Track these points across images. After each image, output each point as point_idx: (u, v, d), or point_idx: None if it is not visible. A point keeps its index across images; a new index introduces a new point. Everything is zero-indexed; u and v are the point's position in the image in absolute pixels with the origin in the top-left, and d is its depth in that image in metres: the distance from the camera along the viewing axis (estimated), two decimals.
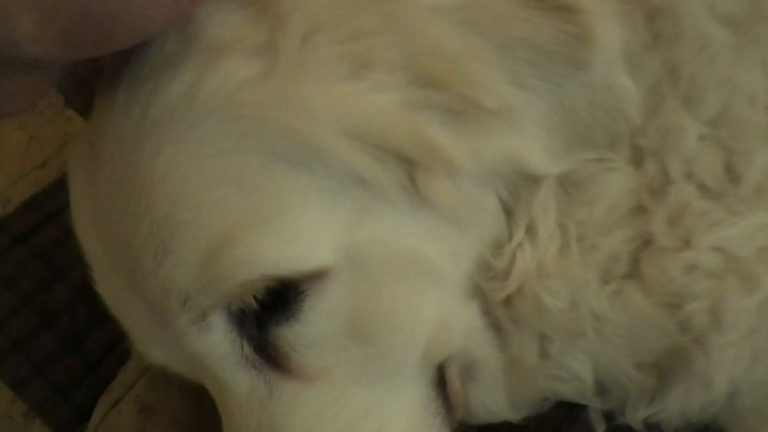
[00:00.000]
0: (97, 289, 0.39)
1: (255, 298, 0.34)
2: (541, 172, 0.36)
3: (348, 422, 0.36)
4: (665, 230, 0.39)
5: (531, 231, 0.39)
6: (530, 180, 0.37)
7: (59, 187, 0.55)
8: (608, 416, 0.44)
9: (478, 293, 0.40)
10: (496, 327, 0.40)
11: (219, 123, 0.32)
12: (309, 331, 0.35)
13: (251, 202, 0.33)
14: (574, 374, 0.42)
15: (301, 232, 0.34)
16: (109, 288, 0.38)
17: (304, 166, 0.33)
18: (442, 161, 0.34)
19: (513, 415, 0.43)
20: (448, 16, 0.34)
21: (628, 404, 0.43)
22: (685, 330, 0.39)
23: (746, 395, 0.41)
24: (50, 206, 0.56)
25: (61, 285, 0.53)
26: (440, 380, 0.40)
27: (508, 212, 0.39)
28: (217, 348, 0.35)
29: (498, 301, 0.40)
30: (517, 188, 0.38)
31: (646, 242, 0.40)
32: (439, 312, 0.37)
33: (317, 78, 0.32)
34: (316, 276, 0.34)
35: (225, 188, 0.33)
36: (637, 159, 0.40)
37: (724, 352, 0.38)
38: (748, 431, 0.42)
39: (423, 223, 0.36)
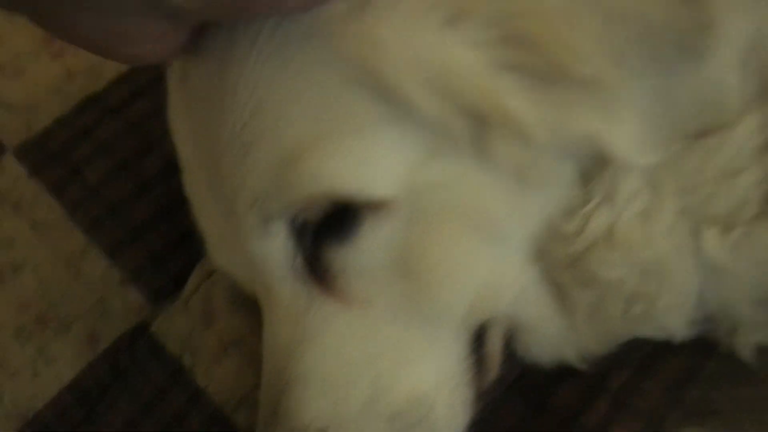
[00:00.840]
0: (186, 191, 0.40)
1: (317, 214, 0.34)
2: (624, 161, 0.34)
3: (373, 355, 0.36)
4: None
5: (610, 193, 0.36)
6: None
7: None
8: None
9: (544, 257, 0.37)
10: (560, 292, 0.38)
11: (306, 46, 0.33)
12: (359, 257, 0.35)
13: (328, 119, 0.33)
14: (670, 327, 0.40)
15: (371, 157, 0.34)
16: (195, 190, 0.41)
17: (383, 97, 0.33)
18: (515, 128, 0.33)
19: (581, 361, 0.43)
20: None
21: (739, 334, 0.42)
22: None
23: None
24: (141, 81, 0.56)
25: (155, 155, 0.53)
26: (479, 339, 0.38)
27: (588, 177, 0.36)
28: (273, 254, 0.36)
29: (562, 263, 0.38)
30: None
31: None
32: (491, 270, 0.37)
33: (407, 22, 0.32)
34: (377, 205, 0.34)
35: (305, 103, 0.33)
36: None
37: None
38: None
39: (489, 177, 0.35)
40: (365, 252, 0.35)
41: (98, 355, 0.49)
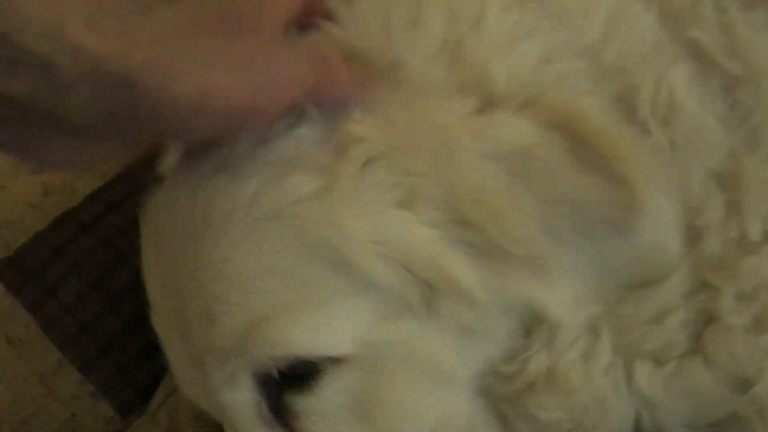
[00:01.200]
0: (153, 324, 0.44)
1: (279, 369, 0.38)
2: (560, 320, 0.38)
3: None
4: (735, 308, 0.40)
5: (551, 341, 0.40)
6: None
7: (121, 181, 0.60)
8: None
9: (490, 392, 0.42)
10: (505, 423, 0.43)
11: (274, 227, 0.37)
12: (320, 403, 0.39)
13: (291, 292, 0.38)
14: None
15: (329, 324, 0.38)
16: (163, 331, 0.44)
17: (343, 271, 0.37)
18: (461, 293, 0.37)
19: None
20: (497, 163, 0.36)
21: None
22: (751, 403, 0.41)
23: None
24: (114, 197, 0.60)
25: (125, 270, 0.57)
26: None
27: (530, 327, 0.40)
28: (240, 403, 0.40)
29: (505, 399, 0.42)
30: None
31: (709, 320, 0.41)
32: (442, 408, 0.40)
33: (366, 205, 0.37)
34: (336, 361, 0.38)
35: (271, 280, 0.38)
36: (694, 237, 0.40)
37: None
38: None
39: (437, 333, 0.39)
40: (325, 398, 0.39)
41: None
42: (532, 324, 0.41)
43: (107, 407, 0.54)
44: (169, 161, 0.43)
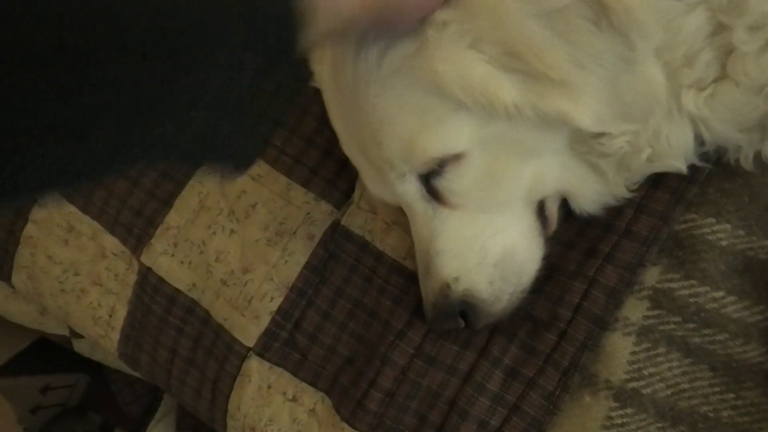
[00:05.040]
0: (343, 149, 0.66)
1: (428, 166, 0.60)
2: (585, 129, 0.54)
3: (475, 231, 0.62)
4: (746, 38, 0.55)
5: None
6: None
7: None
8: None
9: (574, 150, 0.60)
10: (592, 166, 0.61)
11: (398, 78, 0.57)
12: (454, 183, 0.60)
13: (421, 118, 0.58)
14: (675, 165, 0.62)
15: (447, 133, 0.58)
16: (350, 152, 0.66)
17: (445, 98, 0.56)
18: (508, 111, 0.54)
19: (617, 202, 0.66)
20: (537, 19, 0.51)
21: (740, 151, 0.63)
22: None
23: None
24: None
25: (312, 115, 0.81)
26: (541, 210, 0.63)
27: None
28: (409, 191, 0.63)
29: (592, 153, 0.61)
30: None
31: (729, 51, 0.56)
32: (535, 172, 0.59)
33: (448, 50, 0.53)
34: (458, 156, 0.58)
35: (406, 112, 0.58)
36: None
37: None
38: None
39: (521, 127, 0.57)
40: (455, 181, 0.61)
41: (315, 245, 0.80)
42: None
43: (327, 204, 0.80)
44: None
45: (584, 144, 0.60)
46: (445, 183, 0.61)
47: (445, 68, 0.55)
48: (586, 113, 0.55)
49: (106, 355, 1.07)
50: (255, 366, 0.80)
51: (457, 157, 0.60)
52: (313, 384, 0.79)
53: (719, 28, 0.56)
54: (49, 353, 1.27)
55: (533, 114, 0.55)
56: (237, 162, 0.49)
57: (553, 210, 0.66)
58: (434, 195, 0.63)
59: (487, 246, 0.64)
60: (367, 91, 0.59)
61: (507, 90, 0.54)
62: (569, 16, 0.52)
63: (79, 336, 1.08)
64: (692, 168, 0.66)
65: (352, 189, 0.79)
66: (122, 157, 0.40)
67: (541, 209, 0.65)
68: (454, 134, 0.58)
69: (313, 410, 0.79)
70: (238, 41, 0.41)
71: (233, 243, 0.82)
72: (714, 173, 0.67)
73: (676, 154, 0.63)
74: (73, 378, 1.42)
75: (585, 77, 0.53)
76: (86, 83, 0.36)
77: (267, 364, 0.80)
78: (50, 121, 0.36)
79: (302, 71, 0.47)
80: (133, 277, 0.87)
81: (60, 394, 1.43)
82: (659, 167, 0.64)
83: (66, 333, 1.14)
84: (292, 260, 0.80)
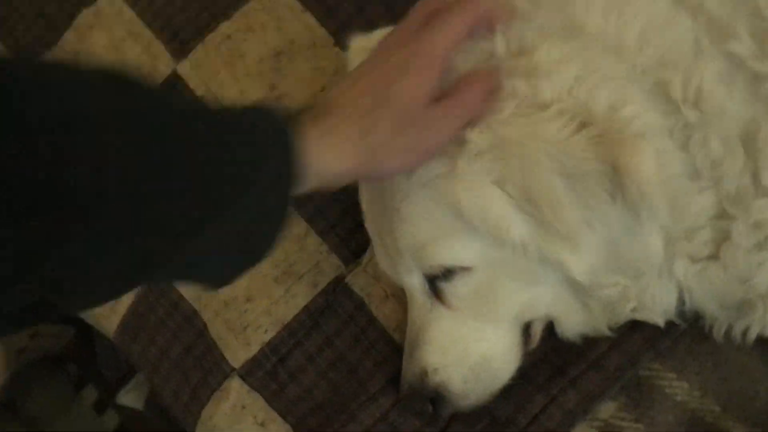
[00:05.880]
0: (366, 226, 0.74)
1: (435, 270, 0.66)
2: (578, 279, 0.60)
3: (462, 334, 0.68)
4: (745, 233, 0.61)
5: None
6: None
7: None
8: None
9: (569, 285, 0.66)
10: (582, 301, 0.67)
11: (424, 191, 0.63)
12: (456, 288, 0.67)
13: (437, 230, 0.64)
14: (655, 318, 0.69)
15: (459, 248, 0.64)
16: (369, 227, 0.74)
17: (463, 219, 0.61)
18: (517, 246, 0.60)
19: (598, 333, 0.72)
20: (561, 177, 0.57)
21: (715, 323, 0.70)
22: (751, 291, 0.64)
23: None
24: None
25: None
26: (527, 328, 0.69)
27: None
28: (413, 282, 0.69)
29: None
30: None
31: (726, 237, 0.62)
32: (529, 298, 0.65)
33: (472, 182, 0.59)
34: (465, 268, 0.64)
35: (426, 221, 0.64)
36: (717, 180, 0.60)
37: None
38: None
39: (528, 259, 0.63)
40: (458, 286, 0.68)
41: (317, 293, 0.87)
42: None
43: (336, 258, 0.87)
44: None
45: (578, 284, 0.66)
46: (447, 287, 0.68)
47: (467, 197, 0.61)
48: (582, 266, 0.61)
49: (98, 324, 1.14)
50: (236, 386, 0.87)
51: (462, 269, 0.66)
52: (282, 416, 0.85)
53: (723, 214, 0.63)
54: None
55: (536, 254, 0.62)
56: (214, 282, 0.58)
57: (537, 330, 0.73)
58: (435, 292, 0.70)
59: (469, 348, 0.70)
60: (394, 192, 0.65)
61: (518, 228, 0.61)
62: (590, 182, 0.58)
63: None
64: (669, 322, 0.72)
65: (362, 250, 0.85)
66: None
67: (527, 328, 0.72)
68: (464, 250, 0.65)
69: None
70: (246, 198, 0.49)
71: None
72: (687, 332, 0.74)
73: (658, 310, 0.69)
74: (60, 329, 1.49)
75: (589, 236, 0.60)
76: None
77: (246, 387, 0.87)
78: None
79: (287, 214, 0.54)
80: None
81: (46, 341, 1.50)
82: (640, 317, 0.71)
83: None
84: (293, 302, 0.86)
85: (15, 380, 1.51)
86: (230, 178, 0.47)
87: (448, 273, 0.67)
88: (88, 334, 1.48)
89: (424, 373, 0.71)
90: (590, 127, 0.57)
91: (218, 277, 0.56)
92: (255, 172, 0.49)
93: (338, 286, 0.86)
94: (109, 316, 0.97)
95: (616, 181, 0.58)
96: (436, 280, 0.69)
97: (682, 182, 0.62)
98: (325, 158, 0.54)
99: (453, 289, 0.68)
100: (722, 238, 0.64)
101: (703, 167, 0.61)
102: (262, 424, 0.86)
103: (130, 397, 1.39)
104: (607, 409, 0.74)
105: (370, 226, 0.74)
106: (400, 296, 0.81)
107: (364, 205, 0.73)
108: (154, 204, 0.43)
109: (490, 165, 0.60)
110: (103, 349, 1.43)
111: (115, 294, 0.52)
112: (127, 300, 0.95)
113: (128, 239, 0.42)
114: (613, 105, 0.58)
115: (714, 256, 0.65)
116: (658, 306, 0.69)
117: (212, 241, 0.48)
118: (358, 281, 0.85)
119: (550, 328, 0.75)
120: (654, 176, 0.57)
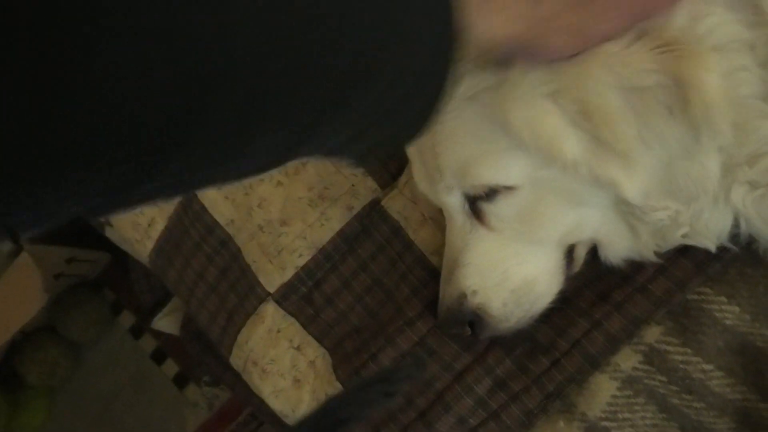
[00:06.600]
0: (409, 155, 0.70)
1: (478, 190, 0.63)
2: (630, 200, 0.56)
3: (503, 256, 0.65)
4: None
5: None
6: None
7: None
8: None
9: (618, 208, 0.63)
10: (630, 225, 0.64)
11: (471, 105, 0.59)
12: (498, 209, 0.63)
13: (484, 146, 0.61)
14: (706, 243, 0.65)
15: (505, 166, 0.60)
16: (411, 152, 0.70)
17: (510, 134, 0.57)
18: (568, 164, 0.56)
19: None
20: (617, 92, 0.53)
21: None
22: None
23: None
24: None
25: None
26: (570, 251, 0.67)
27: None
28: (453, 202, 0.66)
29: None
30: None
31: None
32: (576, 220, 0.62)
33: (524, 93, 0.55)
34: (509, 188, 0.61)
35: (471, 137, 0.61)
36: None
37: None
38: None
39: (572, 178, 0.59)
40: (501, 208, 0.65)
41: (352, 217, 0.85)
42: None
43: (373, 182, 0.84)
44: None
45: (628, 206, 0.63)
46: (489, 207, 0.65)
47: (516, 110, 0.57)
48: (636, 187, 0.58)
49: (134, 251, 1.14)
50: (271, 310, 0.86)
51: (507, 189, 0.63)
52: (318, 340, 0.85)
53: None
54: (81, 230, 1.35)
55: (587, 173, 0.58)
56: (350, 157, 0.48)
57: (581, 254, 0.70)
58: (475, 213, 0.67)
59: (510, 271, 0.68)
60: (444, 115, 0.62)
61: (571, 145, 0.57)
62: (648, 97, 0.54)
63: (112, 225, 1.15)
64: (720, 246, 0.69)
65: (399, 173, 0.83)
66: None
67: (570, 251, 0.69)
68: (510, 169, 0.62)
69: (312, 362, 0.85)
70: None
71: (278, 194, 0.86)
72: (739, 256, 0.70)
73: (711, 236, 0.66)
74: (97, 255, 1.51)
75: (645, 155, 0.56)
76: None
77: (282, 312, 0.86)
78: None
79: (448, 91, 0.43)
80: (177, 198, 0.93)
81: (82, 267, 1.52)
82: (692, 242, 0.67)
83: (102, 219, 1.21)
84: (328, 225, 0.85)
85: (55, 304, 1.55)
86: (393, 25, 0.38)
87: (492, 193, 0.64)
88: (123, 260, 1.50)
89: (462, 296, 0.70)
90: (655, 38, 0.53)
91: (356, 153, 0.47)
92: (417, 18, 0.39)
93: (374, 209, 0.84)
94: (142, 241, 0.97)
95: (679, 95, 0.53)
96: (478, 201, 0.66)
97: (755, 103, 0.57)
98: (490, 21, 0.47)
99: (496, 209, 0.65)
100: None
101: None
102: (298, 348, 0.86)
103: (166, 323, 1.41)
104: (652, 334, 0.72)
105: (412, 154, 0.71)
106: (438, 220, 0.79)
107: None
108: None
109: (543, 77, 0.56)
110: (138, 276, 1.44)
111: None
112: (160, 224, 0.95)
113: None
114: (695, 16, 0.53)
115: None
116: (711, 231, 0.65)
117: (372, 101, 0.39)
118: (394, 204, 0.83)
119: (593, 252, 0.73)
120: (720, 92, 0.52)
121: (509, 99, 0.57)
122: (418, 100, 0.43)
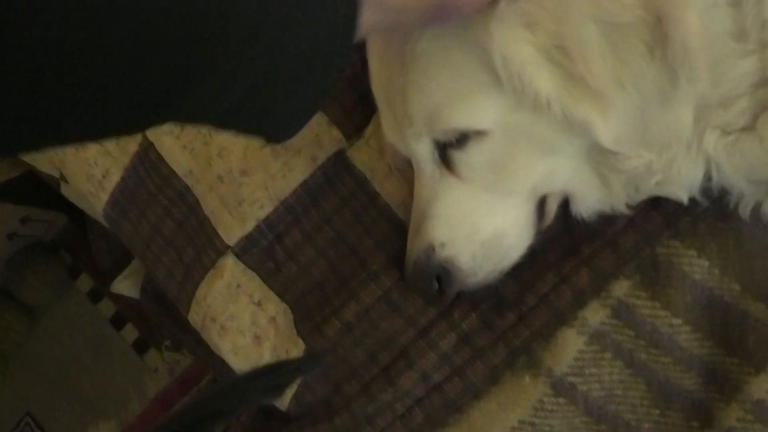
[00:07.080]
0: (372, 88, 0.67)
1: (448, 135, 0.61)
2: (603, 144, 0.53)
3: (474, 207, 0.63)
4: None
5: None
6: None
7: None
8: None
9: (590, 157, 0.61)
10: (601, 175, 0.62)
11: (451, 34, 0.56)
12: (468, 157, 0.61)
13: (457, 85, 0.58)
14: (678, 194, 0.63)
15: (477, 108, 0.58)
16: (377, 91, 0.67)
17: (488, 68, 0.55)
18: (539, 101, 0.54)
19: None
20: (598, 26, 0.51)
21: (742, 200, 0.64)
22: None
23: None
24: None
25: None
26: (541, 204, 0.65)
27: None
28: (422, 150, 0.64)
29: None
30: None
31: (765, 107, 0.57)
32: (547, 169, 0.60)
33: (505, 24, 0.53)
34: (480, 132, 0.59)
35: (445, 72, 0.58)
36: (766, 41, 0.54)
37: None
38: None
39: (546, 122, 0.57)
40: (471, 155, 0.62)
41: (316, 168, 0.82)
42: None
43: (338, 131, 0.81)
44: None
45: (601, 155, 0.61)
46: (459, 155, 0.63)
47: (494, 38, 0.54)
48: (609, 131, 0.55)
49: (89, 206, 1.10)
50: (230, 264, 0.83)
51: (478, 134, 0.61)
52: (279, 295, 0.82)
53: (765, 82, 0.57)
54: (36, 188, 1.29)
55: (560, 113, 0.56)
56: (277, 132, 0.48)
57: (552, 207, 0.68)
58: (445, 161, 0.65)
59: (479, 223, 0.66)
60: (418, 36, 0.58)
61: (544, 81, 0.54)
62: (629, 33, 0.52)
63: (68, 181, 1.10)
64: (691, 200, 0.67)
65: (366, 123, 0.80)
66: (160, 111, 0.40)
67: (541, 204, 0.67)
68: (482, 111, 0.59)
69: (273, 318, 0.83)
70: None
71: (238, 143, 0.83)
72: (709, 210, 0.69)
73: (683, 184, 0.64)
74: (52, 215, 1.45)
75: (620, 97, 0.54)
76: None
77: (241, 266, 0.83)
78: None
79: (349, 56, 0.45)
80: (134, 147, 0.88)
81: (37, 227, 1.46)
82: (663, 192, 0.66)
83: (56, 175, 1.16)
84: (290, 176, 0.82)
85: (8, 266, 1.50)
86: None
87: (462, 139, 0.62)
88: (81, 222, 1.45)
89: (430, 249, 0.67)
90: None
91: (279, 120, 0.48)
92: None
93: (338, 160, 0.81)
94: (97, 193, 0.92)
95: (659, 33, 0.51)
96: (448, 148, 0.63)
97: (726, 42, 0.55)
98: None
99: (466, 157, 0.63)
100: (761, 108, 0.58)
101: (752, 27, 0.55)
102: (258, 304, 0.83)
103: (125, 285, 1.37)
104: (620, 287, 0.71)
105: (377, 90, 0.68)
106: (404, 171, 0.77)
107: (373, 62, 0.67)
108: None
109: (524, 7, 0.53)
110: (96, 236, 1.39)
111: None
112: (115, 175, 0.90)
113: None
114: None
115: (749, 128, 0.60)
116: (684, 179, 0.64)
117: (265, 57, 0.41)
118: (360, 156, 0.80)
119: (563, 207, 0.71)
120: (700, 31, 0.50)
121: (488, 27, 0.55)
122: (310, 71, 0.43)
